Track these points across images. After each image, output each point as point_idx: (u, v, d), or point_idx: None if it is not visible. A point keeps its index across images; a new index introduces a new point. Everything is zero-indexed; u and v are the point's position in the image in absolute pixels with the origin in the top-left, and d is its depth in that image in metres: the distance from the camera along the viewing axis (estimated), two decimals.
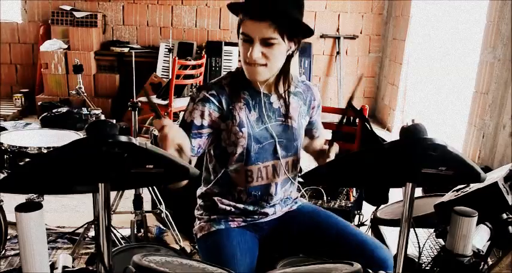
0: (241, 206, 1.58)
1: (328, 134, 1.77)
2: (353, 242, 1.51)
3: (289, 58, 1.48)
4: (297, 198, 1.71)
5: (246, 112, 1.51)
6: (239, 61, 1.50)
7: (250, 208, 1.58)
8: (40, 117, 4.88)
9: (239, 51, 1.49)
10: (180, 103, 4.30)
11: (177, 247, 2.52)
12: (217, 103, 1.48)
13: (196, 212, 1.67)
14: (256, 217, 1.60)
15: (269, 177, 1.56)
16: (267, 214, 1.61)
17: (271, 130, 1.54)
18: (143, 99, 4.04)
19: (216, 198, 1.60)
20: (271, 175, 1.57)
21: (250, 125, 1.51)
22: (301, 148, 1.65)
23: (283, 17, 1.38)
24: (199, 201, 1.68)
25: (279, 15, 1.37)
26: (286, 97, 1.55)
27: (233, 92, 1.51)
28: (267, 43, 1.39)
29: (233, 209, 1.59)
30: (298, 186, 1.77)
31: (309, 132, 1.74)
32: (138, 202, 2.56)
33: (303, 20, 1.42)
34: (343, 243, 1.51)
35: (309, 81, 4.91)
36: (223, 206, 1.59)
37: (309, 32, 1.45)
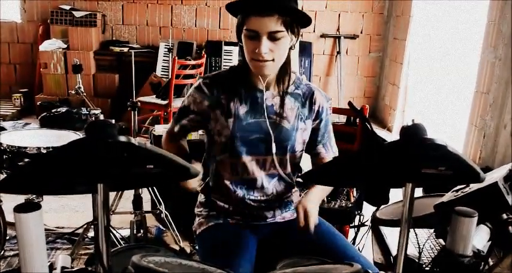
0: (238, 208, 1.58)
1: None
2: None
3: (289, 51, 1.51)
4: None
5: (237, 104, 1.53)
6: (239, 60, 1.51)
7: (246, 210, 1.58)
8: (39, 117, 4.88)
9: (239, 51, 1.49)
10: (180, 103, 4.29)
11: (177, 248, 2.52)
12: (208, 92, 1.54)
13: (196, 210, 1.69)
14: (254, 219, 1.60)
15: (255, 172, 1.55)
16: (265, 218, 1.60)
17: (260, 125, 1.53)
18: (144, 99, 4.04)
19: (213, 198, 1.62)
20: (257, 169, 1.55)
21: (238, 117, 1.52)
22: (295, 150, 1.59)
23: (288, 9, 1.41)
24: (199, 197, 1.69)
25: (284, 7, 1.40)
26: (284, 94, 1.55)
27: (229, 84, 1.54)
28: (273, 37, 1.41)
29: (231, 208, 1.60)
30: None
31: (312, 144, 1.65)
32: (137, 202, 2.55)
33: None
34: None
35: (309, 80, 4.91)
36: (222, 204, 1.60)
37: (308, 22, 1.47)
